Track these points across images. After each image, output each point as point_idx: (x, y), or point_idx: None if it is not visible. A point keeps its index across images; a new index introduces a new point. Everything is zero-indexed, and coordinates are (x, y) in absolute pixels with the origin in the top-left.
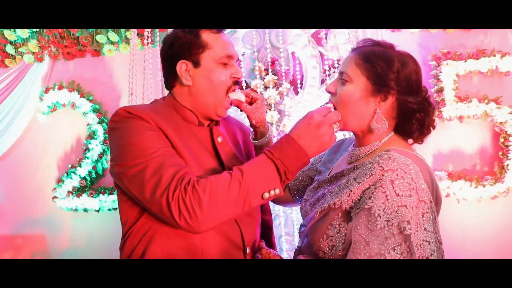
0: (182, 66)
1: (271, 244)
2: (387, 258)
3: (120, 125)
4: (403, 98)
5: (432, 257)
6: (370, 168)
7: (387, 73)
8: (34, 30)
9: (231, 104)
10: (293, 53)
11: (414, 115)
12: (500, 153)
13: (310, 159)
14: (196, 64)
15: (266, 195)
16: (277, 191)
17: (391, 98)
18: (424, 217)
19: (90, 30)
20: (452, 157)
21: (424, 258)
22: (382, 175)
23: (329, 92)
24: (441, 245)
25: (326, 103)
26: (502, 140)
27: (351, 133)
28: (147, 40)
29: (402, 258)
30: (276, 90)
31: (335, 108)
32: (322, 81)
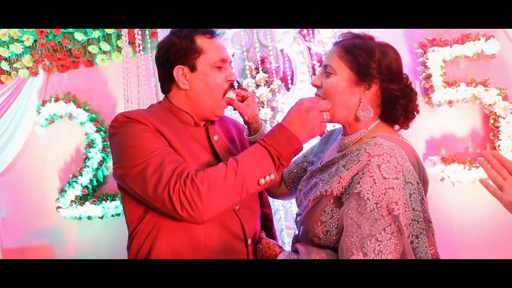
0: (179, 71)
1: (271, 235)
2: (378, 239)
3: (120, 130)
4: (386, 85)
5: (422, 236)
6: (357, 154)
7: (369, 63)
8: (27, 45)
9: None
10: (281, 50)
11: (398, 102)
12: (491, 134)
13: (305, 149)
14: (193, 68)
15: (262, 181)
16: (272, 176)
17: (375, 87)
18: (412, 197)
19: (82, 41)
20: (444, 141)
21: (413, 237)
22: (369, 160)
23: (314, 85)
24: (431, 224)
25: None
26: (492, 121)
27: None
28: (139, 47)
29: (392, 238)
30: (268, 87)
31: None
32: (312, 76)
